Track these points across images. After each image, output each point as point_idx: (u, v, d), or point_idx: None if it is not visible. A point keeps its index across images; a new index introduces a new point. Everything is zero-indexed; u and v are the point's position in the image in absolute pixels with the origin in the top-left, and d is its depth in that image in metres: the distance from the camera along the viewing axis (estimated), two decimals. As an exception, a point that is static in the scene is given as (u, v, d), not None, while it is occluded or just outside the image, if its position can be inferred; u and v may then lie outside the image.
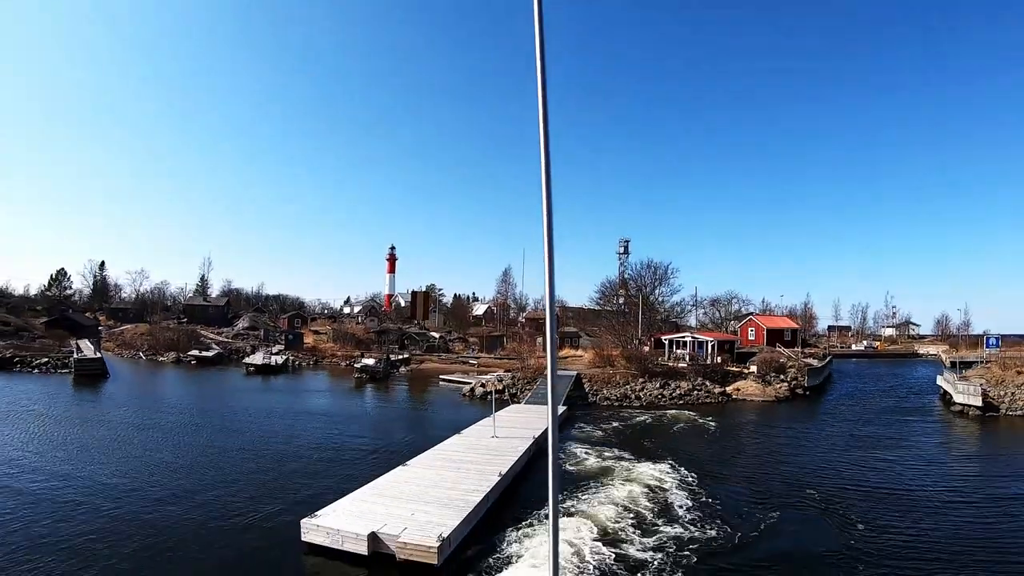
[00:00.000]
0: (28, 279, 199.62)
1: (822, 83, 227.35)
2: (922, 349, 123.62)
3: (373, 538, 13.87)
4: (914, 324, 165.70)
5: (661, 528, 17.39)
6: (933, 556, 15.47)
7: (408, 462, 21.26)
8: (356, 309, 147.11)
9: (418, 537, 13.74)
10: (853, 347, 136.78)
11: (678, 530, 17.15)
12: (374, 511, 15.50)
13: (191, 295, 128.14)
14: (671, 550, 15.56)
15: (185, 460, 24.67)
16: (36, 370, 56.01)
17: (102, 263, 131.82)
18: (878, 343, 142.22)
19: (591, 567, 14.21)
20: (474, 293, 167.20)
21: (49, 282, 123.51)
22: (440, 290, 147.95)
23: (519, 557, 14.55)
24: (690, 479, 23.34)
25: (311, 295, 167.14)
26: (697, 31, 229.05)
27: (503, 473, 19.83)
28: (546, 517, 15.57)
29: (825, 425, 38.32)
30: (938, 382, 52.87)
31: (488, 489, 17.90)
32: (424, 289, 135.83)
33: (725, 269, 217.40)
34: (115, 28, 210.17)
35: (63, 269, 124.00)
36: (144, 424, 33.00)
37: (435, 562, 13.28)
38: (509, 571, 13.71)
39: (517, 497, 20.05)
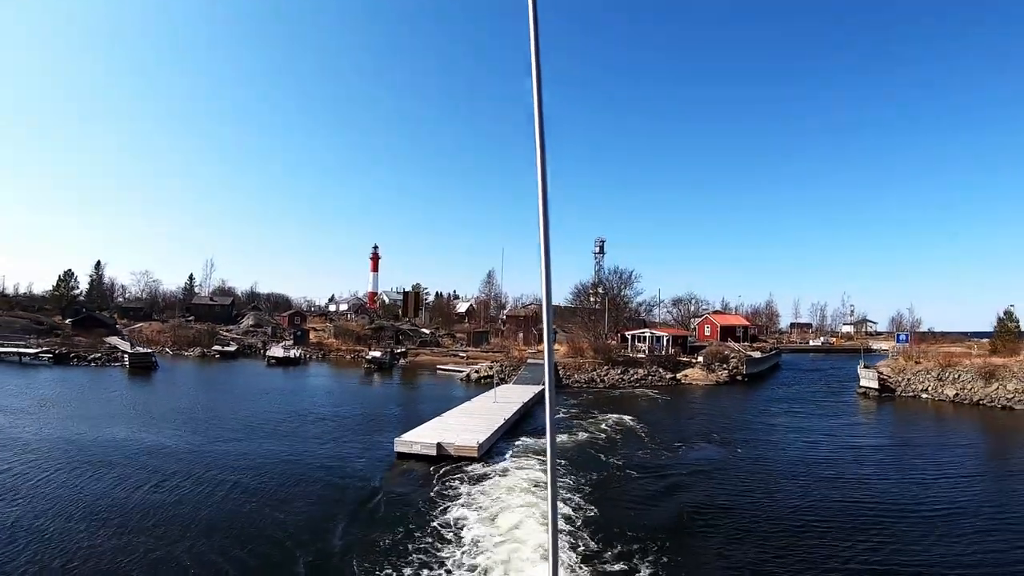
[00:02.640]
0: (17, 278, 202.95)
1: (787, 84, 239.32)
2: (875, 344, 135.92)
3: (438, 446, 24.55)
4: (871, 321, 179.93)
5: (619, 447, 28.71)
6: (786, 472, 25.79)
7: (441, 415, 32.18)
8: (343, 307, 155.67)
9: (465, 442, 24.72)
10: (811, 343, 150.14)
11: (627, 459, 27.86)
12: (433, 435, 26.20)
13: (182, 294, 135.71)
14: (621, 460, 26.39)
15: (280, 419, 34.91)
16: (92, 364, 64.86)
17: (98, 263, 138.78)
18: (834, 339, 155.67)
19: (571, 465, 24.69)
20: (455, 291, 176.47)
21: (57, 282, 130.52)
22: (425, 289, 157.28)
23: (515, 455, 25.61)
24: (637, 424, 34.99)
25: (295, 292, 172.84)
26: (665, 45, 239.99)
27: (506, 419, 31.01)
28: (532, 442, 27.22)
29: (748, 401, 49.73)
30: (858, 371, 64.16)
31: (498, 426, 28.96)
32: (412, 288, 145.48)
33: (693, 269, 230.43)
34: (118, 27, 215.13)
35: (70, 270, 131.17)
36: (223, 398, 43.19)
37: (476, 455, 24.10)
38: (515, 460, 24.47)
39: (513, 433, 31.19)
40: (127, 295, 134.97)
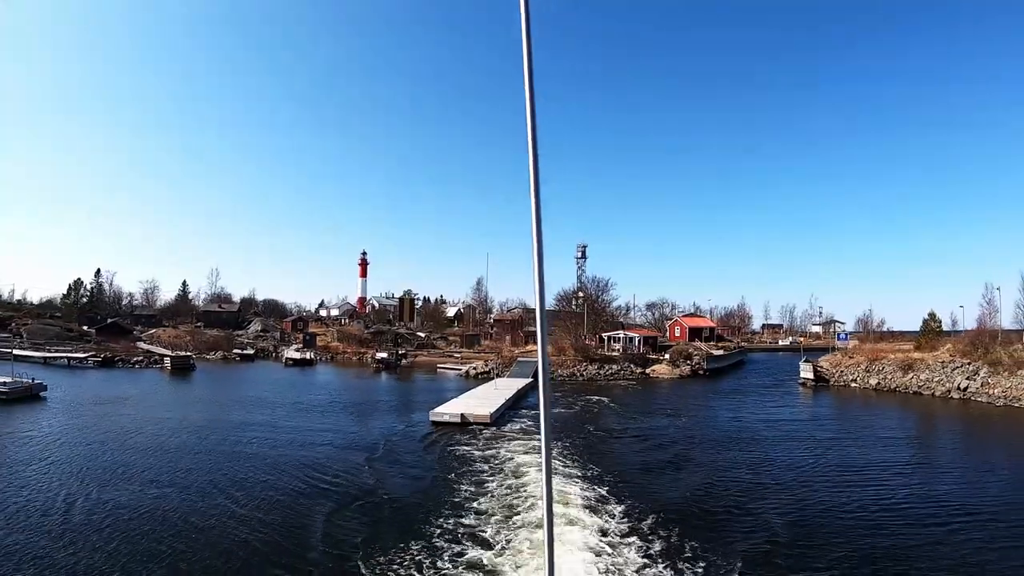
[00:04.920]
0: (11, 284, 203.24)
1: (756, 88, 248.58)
2: (839, 343, 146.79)
3: (462, 415, 34.34)
4: (839, 321, 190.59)
5: (597, 418, 38.41)
6: (717, 432, 36.07)
7: (458, 397, 42.13)
8: (334, 312, 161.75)
9: (481, 413, 34.61)
10: (780, 342, 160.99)
11: (601, 424, 37.63)
12: (457, 408, 36.02)
13: (176, 300, 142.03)
14: (594, 430, 35.90)
15: (326, 404, 44.12)
16: (135, 366, 73.24)
17: (97, 271, 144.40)
18: (802, 339, 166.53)
19: (561, 426, 34.29)
20: (442, 296, 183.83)
21: (68, 290, 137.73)
22: (416, 295, 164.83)
23: (515, 421, 35.30)
24: (611, 404, 45.20)
25: (283, 298, 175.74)
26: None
27: (506, 399, 40.98)
28: (527, 413, 38.35)
29: (703, 390, 59.81)
30: (799, 365, 74.25)
31: (501, 403, 38.86)
32: (404, 294, 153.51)
33: (669, 273, 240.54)
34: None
35: (80, 279, 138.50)
36: (269, 390, 52.21)
37: (489, 421, 33.85)
38: (516, 424, 34.12)
39: (512, 408, 41.02)
40: (133, 302, 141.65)
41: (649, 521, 17.96)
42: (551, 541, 3.11)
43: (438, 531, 16.96)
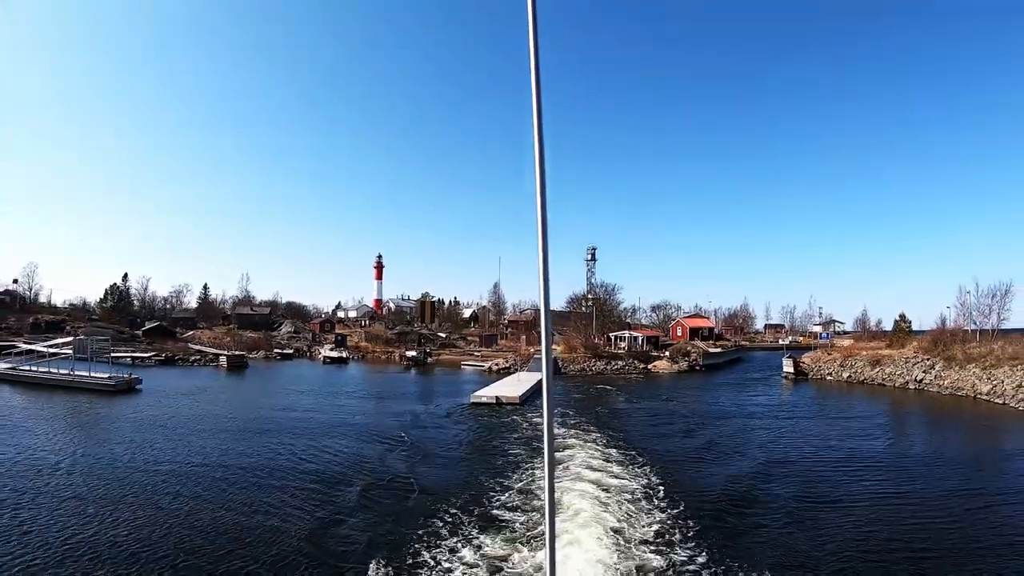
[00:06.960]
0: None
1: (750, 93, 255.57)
2: (838, 342, 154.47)
3: (496, 397, 43.49)
4: (839, 321, 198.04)
5: (604, 403, 47.02)
6: (702, 410, 44.85)
7: (489, 385, 50.93)
8: (351, 313, 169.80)
9: (512, 395, 43.86)
10: (780, 341, 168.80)
11: (608, 404, 46.39)
12: (491, 392, 45.13)
13: (198, 302, 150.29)
14: (603, 408, 44.71)
15: (377, 392, 53.09)
16: (194, 364, 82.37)
17: (125, 275, 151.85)
18: (801, 338, 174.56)
19: (577, 406, 43.04)
20: (456, 297, 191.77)
21: (105, 294, 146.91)
22: (433, 297, 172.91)
23: (539, 402, 43.80)
24: (617, 392, 53.78)
25: (301, 300, 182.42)
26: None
27: (531, 386, 49.74)
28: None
29: (697, 382, 68.31)
30: (782, 361, 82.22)
31: (526, 389, 47.80)
32: (421, 297, 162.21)
33: (672, 271, 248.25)
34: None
35: (115, 284, 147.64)
36: (322, 383, 61.22)
37: (518, 402, 42.99)
38: (540, 404, 42.91)
39: (535, 393, 48.96)
40: (166, 305, 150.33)
41: (643, 464, 26.87)
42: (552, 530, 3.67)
43: (486, 464, 26.09)
